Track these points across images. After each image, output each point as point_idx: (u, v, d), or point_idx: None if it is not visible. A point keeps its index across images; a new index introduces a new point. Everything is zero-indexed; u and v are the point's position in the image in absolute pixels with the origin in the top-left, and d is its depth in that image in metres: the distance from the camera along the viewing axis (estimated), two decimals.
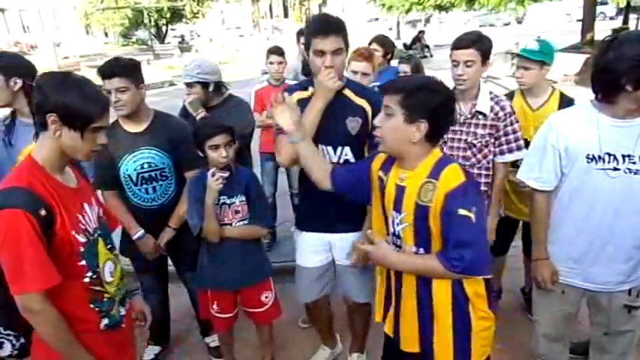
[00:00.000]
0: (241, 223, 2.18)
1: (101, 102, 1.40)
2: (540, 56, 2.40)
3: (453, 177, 1.43)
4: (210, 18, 39.20)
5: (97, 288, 1.46)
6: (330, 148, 1.97)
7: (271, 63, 3.66)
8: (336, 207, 2.00)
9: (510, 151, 2.25)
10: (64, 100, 1.31)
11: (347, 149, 1.97)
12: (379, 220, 1.68)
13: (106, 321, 1.49)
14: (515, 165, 2.31)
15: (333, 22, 1.84)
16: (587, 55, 10.96)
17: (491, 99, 2.24)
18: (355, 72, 2.64)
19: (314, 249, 2.17)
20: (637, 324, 1.87)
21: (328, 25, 1.82)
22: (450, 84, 2.25)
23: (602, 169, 1.67)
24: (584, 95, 1.73)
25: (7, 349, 1.52)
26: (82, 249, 1.40)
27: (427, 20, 29.92)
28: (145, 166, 2.23)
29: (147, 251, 2.35)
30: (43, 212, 1.28)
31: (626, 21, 17.35)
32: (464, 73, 2.15)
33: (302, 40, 3.00)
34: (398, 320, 1.66)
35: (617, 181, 1.66)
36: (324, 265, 2.20)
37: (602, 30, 14.78)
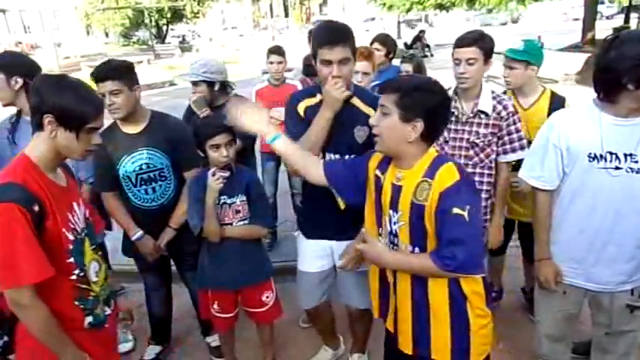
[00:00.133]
0: (242, 223, 2.18)
1: (96, 103, 1.45)
2: (525, 56, 2.41)
3: (447, 176, 1.44)
4: (211, 18, 39.21)
5: (84, 286, 1.50)
6: (337, 157, 1.97)
7: (271, 63, 3.66)
8: (340, 214, 2.00)
9: (513, 150, 2.25)
10: (60, 101, 1.36)
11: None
12: (371, 219, 1.68)
13: (90, 319, 1.51)
14: (512, 165, 2.32)
15: (339, 32, 1.82)
16: (588, 54, 10.94)
17: (494, 98, 2.23)
18: (356, 71, 2.63)
19: (315, 254, 2.17)
20: (639, 324, 1.86)
21: (335, 34, 1.80)
22: (451, 83, 2.26)
23: (604, 168, 1.66)
24: (585, 94, 1.73)
25: None
26: (70, 247, 1.44)
27: (422, 20, 30.02)
28: (144, 166, 2.23)
29: (146, 252, 2.35)
30: (36, 208, 1.32)
31: (627, 20, 17.35)
32: (466, 72, 2.15)
33: None
34: (397, 320, 1.66)
35: (618, 180, 1.66)
36: (326, 270, 2.20)
37: (601, 29, 14.78)
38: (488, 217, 2.37)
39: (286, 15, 43.44)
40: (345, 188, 1.74)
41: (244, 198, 2.17)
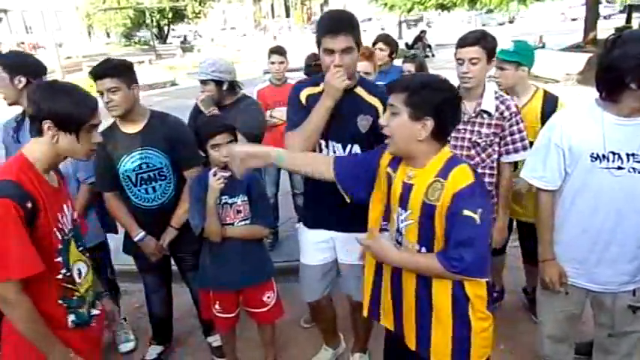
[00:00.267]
0: (243, 223, 2.18)
1: (90, 102, 1.48)
2: (516, 57, 2.41)
3: (461, 177, 1.42)
4: (212, 18, 39.25)
5: (69, 286, 1.52)
6: (339, 145, 1.96)
7: (273, 63, 3.66)
8: (343, 205, 2.00)
9: (516, 150, 2.24)
10: (56, 106, 1.40)
11: (356, 147, 1.96)
12: (375, 216, 1.68)
13: (72, 317, 1.53)
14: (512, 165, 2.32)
15: (343, 20, 1.81)
16: (590, 54, 10.92)
17: (496, 98, 2.23)
18: (357, 72, 2.63)
19: (317, 246, 2.17)
20: None
21: (338, 23, 1.80)
22: (454, 83, 2.25)
23: (607, 168, 1.66)
24: (587, 94, 1.72)
25: None
26: (59, 246, 1.47)
27: (421, 20, 30.05)
28: (144, 166, 2.23)
29: (149, 252, 2.35)
30: (29, 205, 1.36)
31: (629, 20, 17.34)
32: (469, 71, 2.14)
33: None
34: (401, 315, 1.65)
35: (620, 180, 1.65)
36: (328, 263, 2.20)
37: (602, 29, 14.75)
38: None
39: (287, 15, 43.48)
40: (353, 185, 1.73)
41: (245, 198, 2.17)
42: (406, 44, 18.27)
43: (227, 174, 2.07)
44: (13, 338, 1.45)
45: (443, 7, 21.30)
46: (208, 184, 2.06)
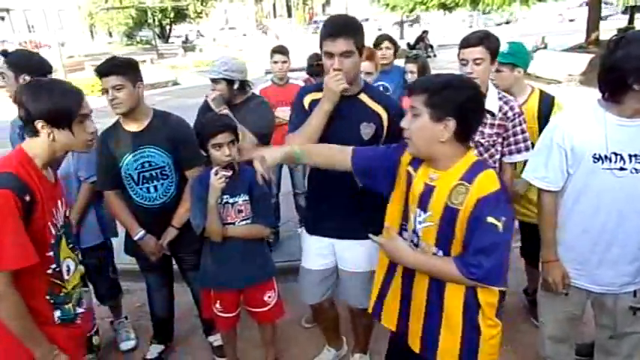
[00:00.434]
0: (244, 222, 2.18)
1: (74, 94, 1.50)
2: (510, 58, 2.40)
3: (488, 183, 1.40)
4: (214, 18, 39.27)
5: (57, 281, 1.54)
6: None
7: (275, 62, 3.66)
8: (344, 212, 1.99)
9: (519, 151, 2.24)
10: (42, 106, 1.43)
11: None
12: (393, 215, 1.65)
13: (58, 313, 1.54)
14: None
15: (344, 24, 1.81)
16: (592, 55, 10.91)
17: (500, 99, 2.23)
18: None
19: (318, 252, 2.17)
20: None
21: (339, 27, 1.79)
22: None
23: (609, 168, 1.65)
24: (589, 95, 1.72)
25: None
26: (52, 241, 1.49)
27: (416, 21, 30.00)
28: (146, 165, 2.23)
29: (149, 251, 2.35)
30: (27, 198, 1.38)
31: (631, 20, 17.32)
32: (473, 71, 2.14)
33: None
34: (407, 317, 1.64)
35: (622, 181, 1.65)
36: (329, 268, 2.19)
37: (604, 30, 14.71)
38: None
39: (289, 15, 43.47)
40: (368, 178, 1.70)
41: (247, 197, 2.17)
42: (408, 44, 18.27)
43: (228, 173, 2.07)
44: (4, 340, 1.45)
45: (445, 7, 21.28)
46: (210, 183, 2.06)
